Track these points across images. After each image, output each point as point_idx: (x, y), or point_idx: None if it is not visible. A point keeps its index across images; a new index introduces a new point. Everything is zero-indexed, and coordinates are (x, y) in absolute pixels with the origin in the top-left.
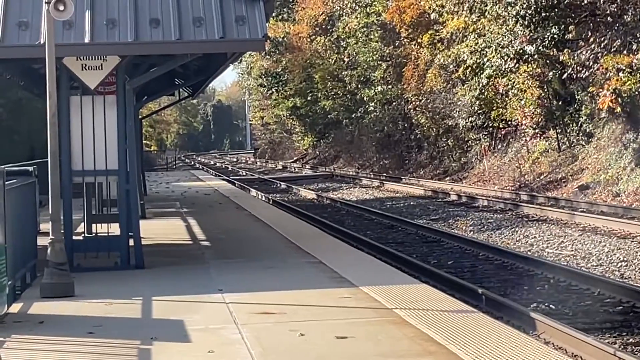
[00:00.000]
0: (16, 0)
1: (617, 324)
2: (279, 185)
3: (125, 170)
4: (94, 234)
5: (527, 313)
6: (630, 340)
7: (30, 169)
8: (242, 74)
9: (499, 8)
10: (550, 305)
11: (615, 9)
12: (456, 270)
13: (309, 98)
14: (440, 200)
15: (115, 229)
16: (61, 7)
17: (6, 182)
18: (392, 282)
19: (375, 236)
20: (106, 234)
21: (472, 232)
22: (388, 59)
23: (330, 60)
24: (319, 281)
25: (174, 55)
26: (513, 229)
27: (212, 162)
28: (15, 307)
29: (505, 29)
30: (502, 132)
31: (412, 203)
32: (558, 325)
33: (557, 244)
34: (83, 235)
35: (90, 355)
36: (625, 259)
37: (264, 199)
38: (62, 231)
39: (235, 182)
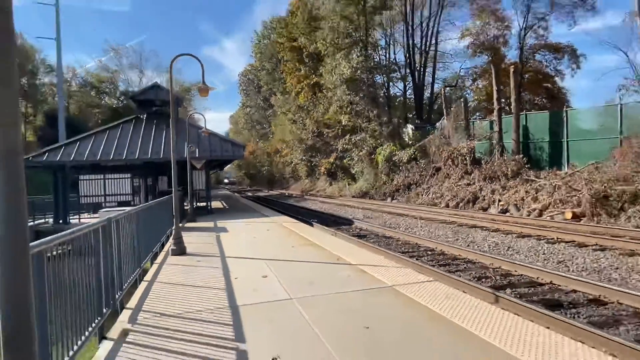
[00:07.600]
0: (176, 143)
1: None
2: None
3: (208, 189)
4: (197, 207)
5: None
6: None
7: (180, 188)
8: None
9: None
10: None
11: None
12: None
13: None
14: None
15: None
16: (192, 149)
17: (177, 191)
18: None
19: None
20: (202, 206)
21: None
22: None
23: None
24: None
25: (219, 159)
26: None
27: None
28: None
29: None
30: None
31: None
32: None
33: None
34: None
35: (203, 236)
36: None
37: None
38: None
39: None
